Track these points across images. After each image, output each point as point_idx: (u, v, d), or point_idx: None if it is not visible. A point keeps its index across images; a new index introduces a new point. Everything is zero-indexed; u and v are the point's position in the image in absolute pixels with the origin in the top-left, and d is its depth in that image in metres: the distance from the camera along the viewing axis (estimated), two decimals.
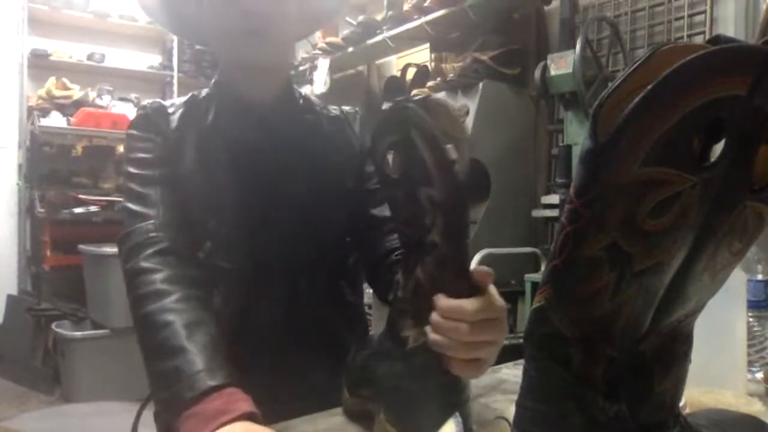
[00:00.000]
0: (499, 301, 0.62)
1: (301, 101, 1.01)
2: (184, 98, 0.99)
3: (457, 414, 0.58)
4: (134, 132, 0.94)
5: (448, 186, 0.57)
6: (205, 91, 1.00)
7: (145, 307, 0.79)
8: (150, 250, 0.82)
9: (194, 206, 0.90)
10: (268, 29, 0.91)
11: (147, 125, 0.94)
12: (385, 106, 3.04)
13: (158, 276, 0.80)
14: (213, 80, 1.01)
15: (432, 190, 0.57)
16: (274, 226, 0.92)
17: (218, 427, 0.64)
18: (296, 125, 0.98)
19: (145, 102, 0.98)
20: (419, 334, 0.62)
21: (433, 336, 0.60)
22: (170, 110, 0.96)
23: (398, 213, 0.66)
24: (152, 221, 0.86)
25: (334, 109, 1.06)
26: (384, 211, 1.00)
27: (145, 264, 0.81)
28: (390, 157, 0.65)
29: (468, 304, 0.59)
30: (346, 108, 1.07)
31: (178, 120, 0.94)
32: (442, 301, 0.60)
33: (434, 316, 0.60)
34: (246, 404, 0.67)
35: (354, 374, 0.77)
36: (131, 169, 0.92)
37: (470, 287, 0.60)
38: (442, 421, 0.58)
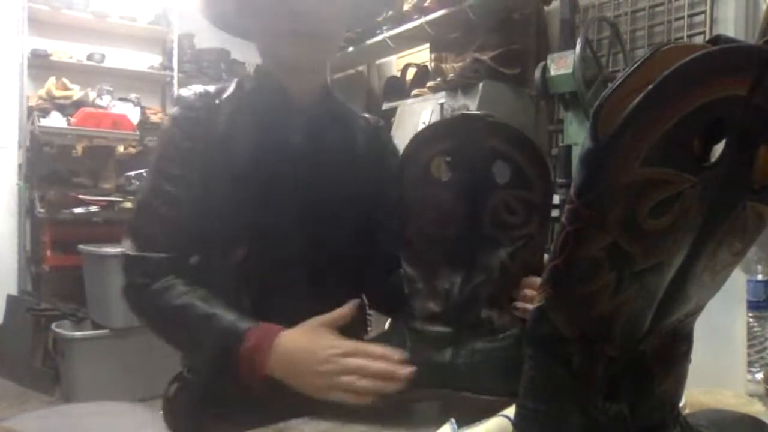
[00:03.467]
0: None
1: (337, 103, 1.02)
2: (230, 88, 0.96)
3: (452, 420, 0.60)
4: (175, 135, 0.92)
5: (547, 192, 0.73)
6: (248, 81, 0.98)
7: (158, 300, 0.85)
8: (158, 285, 0.86)
9: (228, 208, 0.91)
10: (316, 31, 0.91)
11: (192, 129, 0.91)
12: (386, 106, 3.04)
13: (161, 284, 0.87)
14: (254, 69, 1.00)
15: (531, 194, 0.73)
16: (306, 226, 0.93)
17: (269, 348, 0.78)
18: (334, 126, 0.99)
19: (192, 93, 0.94)
20: (501, 312, 0.75)
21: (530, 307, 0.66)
22: (217, 102, 0.94)
23: (430, 212, 0.76)
24: (164, 255, 0.88)
25: (368, 117, 1.08)
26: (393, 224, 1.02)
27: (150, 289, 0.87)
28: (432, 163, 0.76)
29: None
30: (375, 118, 1.09)
31: (226, 116, 0.92)
32: (532, 278, 0.74)
33: (528, 291, 0.74)
34: (278, 327, 0.81)
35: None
36: (159, 180, 0.90)
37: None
38: None
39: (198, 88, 0.95)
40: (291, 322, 0.86)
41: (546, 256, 0.75)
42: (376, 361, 0.75)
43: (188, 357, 0.93)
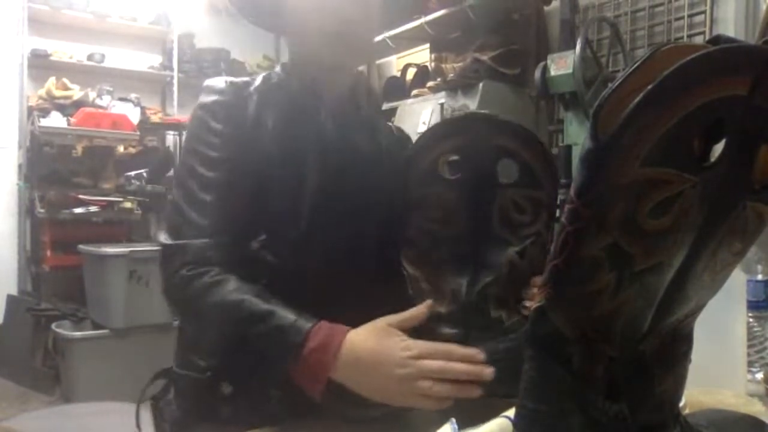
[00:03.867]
0: None
1: (363, 111, 1.01)
2: (258, 80, 0.95)
3: (453, 420, 0.59)
4: (208, 120, 0.89)
5: (554, 190, 0.74)
6: (276, 76, 0.96)
7: (209, 297, 0.80)
8: (203, 270, 0.81)
9: (258, 196, 0.87)
10: (356, 33, 0.91)
11: (225, 115, 0.89)
12: (386, 106, 3.04)
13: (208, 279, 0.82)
14: (281, 66, 0.99)
15: (539, 192, 0.73)
16: (334, 225, 0.89)
17: (336, 350, 0.72)
18: (363, 125, 0.98)
19: (221, 82, 0.93)
20: (511, 312, 0.74)
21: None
22: (246, 93, 0.92)
23: (435, 211, 0.75)
24: (206, 240, 0.83)
25: (396, 128, 1.08)
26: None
27: (199, 279, 0.82)
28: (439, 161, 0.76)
29: None
30: (400, 128, 1.09)
31: (255, 107, 0.91)
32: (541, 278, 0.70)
33: (537, 290, 0.69)
34: (343, 327, 0.75)
35: None
36: (195, 165, 0.87)
37: None
38: None
39: (226, 78, 0.94)
40: (329, 314, 0.79)
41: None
42: (458, 363, 0.70)
43: (237, 357, 0.83)
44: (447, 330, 0.75)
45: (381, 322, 0.76)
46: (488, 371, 0.68)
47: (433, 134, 0.76)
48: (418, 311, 0.77)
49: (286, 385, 0.75)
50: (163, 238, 0.86)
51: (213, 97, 0.91)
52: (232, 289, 0.80)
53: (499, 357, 0.72)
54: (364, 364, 0.72)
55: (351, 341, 0.74)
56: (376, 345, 0.73)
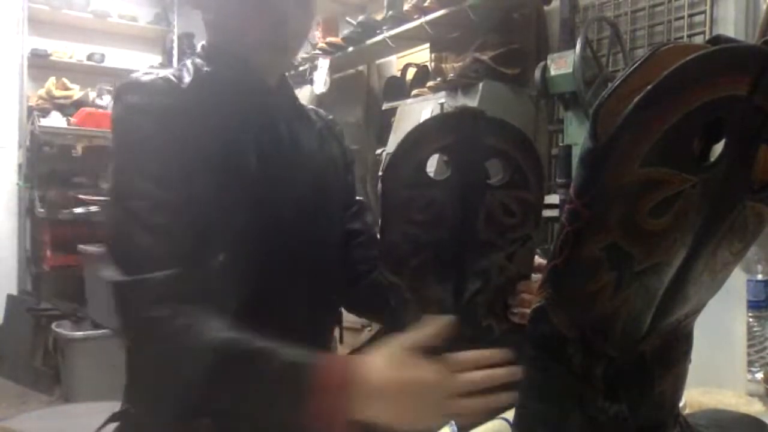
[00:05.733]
0: None
1: (297, 102, 0.97)
2: (187, 73, 0.83)
3: (452, 422, 0.59)
4: (146, 126, 0.76)
5: (541, 190, 0.71)
6: (210, 66, 0.85)
7: (187, 342, 0.68)
8: (171, 310, 0.69)
9: (215, 210, 0.77)
10: (296, 47, 0.90)
11: (166, 120, 0.77)
12: (386, 106, 3.04)
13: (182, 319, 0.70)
14: (201, 52, 0.88)
15: (528, 193, 0.70)
16: (299, 222, 0.84)
17: (345, 386, 0.62)
18: (299, 117, 0.94)
19: (155, 79, 0.80)
20: (500, 319, 0.72)
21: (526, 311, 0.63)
22: (182, 90, 0.80)
23: (417, 214, 0.70)
24: (167, 272, 0.70)
25: (316, 109, 1.03)
26: (356, 224, 0.99)
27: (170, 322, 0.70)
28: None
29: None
30: (324, 112, 1.04)
31: (196, 106, 0.80)
32: (527, 282, 0.71)
33: (525, 295, 0.69)
34: (346, 358, 0.69)
35: None
36: (137, 180, 0.74)
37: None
38: None
39: (158, 74, 0.82)
40: (284, 325, 0.69)
41: (538, 258, 0.74)
42: (496, 369, 0.62)
43: (232, 404, 0.71)
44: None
45: (393, 345, 0.65)
46: (519, 370, 0.58)
47: (420, 133, 0.69)
48: (433, 330, 0.65)
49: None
50: (113, 273, 0.71)
51: (147, 98, 0.78)
52: (211, 329, 0.68)
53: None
54: (391, 396, 0.62)
55: (363, 374, 0.63)
56: (399, 372, 0.63)
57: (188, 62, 0.86)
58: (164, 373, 0.72)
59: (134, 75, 0.81)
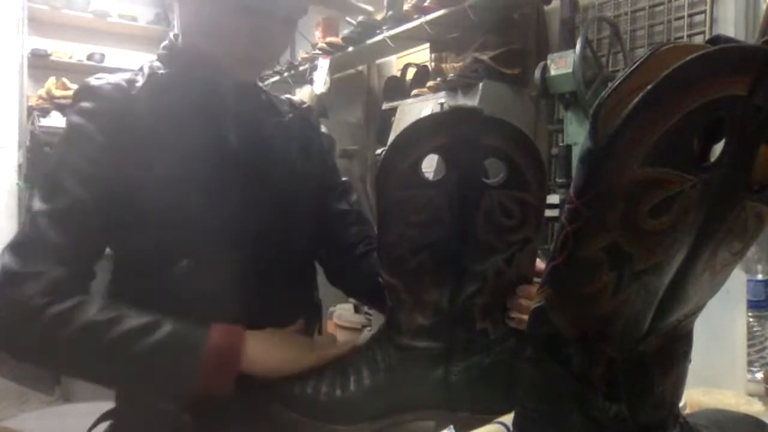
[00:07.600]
0: None
1: (264, 96, 0.96)
2: (142, 78, 0.84)
3: (451, 427, 0.59)
4: (87, 129, 0.79)
5: (543, 192, 0.68)
6: (159, 68, 0.86)
7: (73, 320, 0.71)
8: (65, 305, 0.72)
9: (165, 211, 0.80)
10: (268, 62, 0.91)
11: (108, 124, 0.79)
12: (386, 106, 3.04)
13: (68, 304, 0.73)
14: (162, 55, 0.88)
15: (527, 194, 0.67)
16: (255, 224, 0.85)
17: (240, 344, 0.74)
18: (266, 114, 0.93)
19: (104, 84, 0.82)
20: (496, 323, 0.70)
21: (524, 317, 0.65)
22: (132, 95, 0.82)
23: (415, 215, 0.67)
24: (70, 269, 0.74)
25: (291, 98, 1.02)
26: (344, 204, 1.00)
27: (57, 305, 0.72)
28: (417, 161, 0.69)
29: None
30: (300, 100, 1.04)
31: (145, 112, 0.81)
32: (527, 287, 0.69)
33: (524, 301, 0.68)
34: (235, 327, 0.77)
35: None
36: (65, 179, 0.76)
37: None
38: None
39: (108, 79, 0.83)
40: (249, 325, 0.78)
41: (539, 261, 0.72)
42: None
43: (126, 380, 0.77)
44: (427, 344, 0.70)
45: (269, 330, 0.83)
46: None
47: (415, 132, 0.67)
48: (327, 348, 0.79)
49: (194, 389, 0.72)
50: (9, 258, 0.73)
51: (93, 103, 0.80)
52: (100, 308, 0.72)
53: (482, 373, 0.70)
54: (273, 339, 0.78)
55: (253, 336, 0.77)
56: (274, 332, 0.80)
57: (146, 65, 0.87)
58: (54, 363, 0.79)
59: (88, 79, 0.83)
